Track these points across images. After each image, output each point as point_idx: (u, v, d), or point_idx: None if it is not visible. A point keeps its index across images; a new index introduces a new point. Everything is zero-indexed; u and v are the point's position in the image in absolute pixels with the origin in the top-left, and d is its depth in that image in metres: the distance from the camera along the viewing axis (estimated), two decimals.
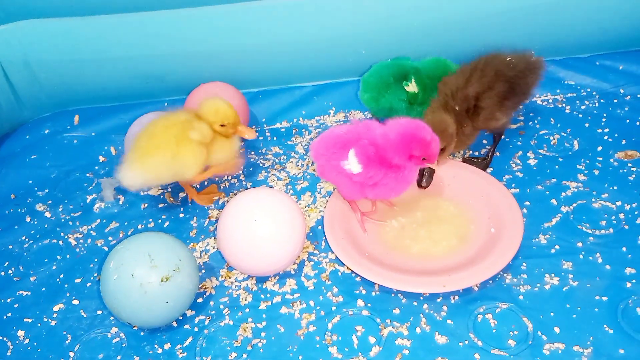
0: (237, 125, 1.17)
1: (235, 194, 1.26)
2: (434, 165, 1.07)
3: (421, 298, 1.01)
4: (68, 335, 1.03)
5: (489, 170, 1.24)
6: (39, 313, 1.08)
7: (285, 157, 1.37)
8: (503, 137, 1.27)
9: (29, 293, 1.12)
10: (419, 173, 1.14)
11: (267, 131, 1.47)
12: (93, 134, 1.52)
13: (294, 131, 1.45)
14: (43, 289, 1.13)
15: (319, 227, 1.17)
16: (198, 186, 1.29)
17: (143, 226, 1.23)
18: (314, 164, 1.11)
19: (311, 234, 1.17)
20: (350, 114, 1.48)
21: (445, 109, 1.16)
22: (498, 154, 1.28)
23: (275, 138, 1.44)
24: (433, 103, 1.19)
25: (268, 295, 1.06)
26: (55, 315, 1.07)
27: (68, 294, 1.11)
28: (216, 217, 1.23)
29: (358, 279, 1.06)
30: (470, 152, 1.30)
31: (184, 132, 1.12)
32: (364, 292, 1.04)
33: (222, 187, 1.31)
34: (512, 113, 1.22)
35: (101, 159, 1.44)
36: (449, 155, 1.23)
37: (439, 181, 1.20)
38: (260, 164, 1.36)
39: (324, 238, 1.13)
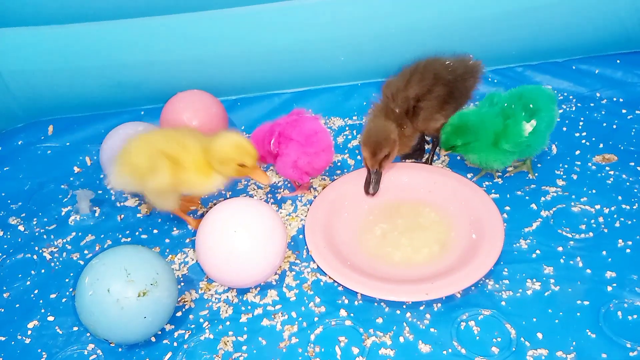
0: (255, 168, 1.10)
1: (214, 204, 1.24)
2: (382, 169, 1.14)
3: (404, 306, 1.00)
4: (43, 353, 1.00)
5: (469, 176, 1.24)
6: (13, 330, 1.05)
7: (265, 166, 1.36)
8: None
9: (2, 310, 1.09)
10: (365, 180, 1.15)
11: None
12: (68, 144, 1.49)
13: None
14: (17, 305, 1.09)
15: (300, 236, 1.16)
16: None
17: (120, 238, 1.21)
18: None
19: (292, 243, 1.15)
20: (329, 121, 1.48)
21: (386, 112, 1.18)
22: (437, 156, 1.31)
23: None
24: (375, 108, 1.20)
25: (249, 307, 1.04)
26: (29, 332, 1.04)
27: (43, 310, 1.08)
28: (195, 228, 1.21)
29: (340, 288, 1.05)
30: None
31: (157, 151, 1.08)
32: (346, 301, 1.02)
33: (204, 196, 1.29)
34: (451, 115, 1.23)
35: (76, 169, 1.41)
36: (407, 160, 1.28)
37: (419, 188, 1.20)
38: None
39: (306, 247, 1.12)
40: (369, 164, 1.13)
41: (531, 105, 1.14)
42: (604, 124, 1.33)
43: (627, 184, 1.17)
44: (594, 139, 1.29)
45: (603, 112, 1.36)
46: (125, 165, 1.10)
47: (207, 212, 1.08)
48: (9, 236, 1.25)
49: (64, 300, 1.09)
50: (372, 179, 1.14)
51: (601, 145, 1.27)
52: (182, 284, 1.10)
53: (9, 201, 1.34)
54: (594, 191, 1.16)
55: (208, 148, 1.09)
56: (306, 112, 1.23)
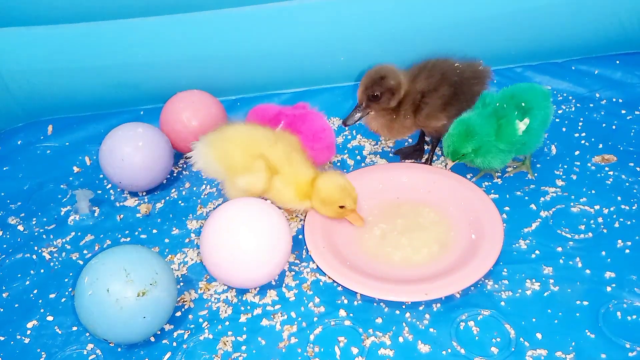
0: (354, 211, 1.10)
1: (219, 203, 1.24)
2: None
3: (403, 307, 1.00)
4: (42, 353, 1.00)
5: (468, 176, 1.24)
6: (12, 330, 1.04)
7: None
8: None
9: (1, 310, 1.09)
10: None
11: None
12: (67, 144, 1.49)
13: None
14: (16, 305, 1.09)
15: (300, 237, 1.16)
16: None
17: (119, 238, 1.21)
18: None
19: (292, 243, 1.15)
20: (329, 121, 1.47)
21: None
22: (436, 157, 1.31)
23: None
24: None
25: (248, 307, 1.04)
26: (28, 332, 1.04)
27: (42, 310, 1.08)
28: (195, 228, 1.21)
29: (340, 288, 1.05)
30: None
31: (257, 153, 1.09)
32: (345, 301, 1.02)
33: (204, 196, 1.29)
34: (453, 118, 1.22)
35: (75, 169, 1.41)
36: (407, 160, 1.29)
37: (419, 188, 1.20)
38: None
39: (305, 247, 1.12)
40: (358, 96, 1.17)
41: (523, 104, 1.14)
42: (604, 125, 1.33)
43: (627, 184, 1.17)
44: (593, 139, 1.29)
45: (602, 113, 1.36)
46: (221, 160, 1.10)
47: (212, 211, 1.08)
48: (8, 236, 1.24)
49: (63, 300, 1.09)
50: (353, 111, 1.18)
51: (600, 146, 1.27)
52: (182, 284, 1.10)
53: (8, 201, 1.34)
54: (593, 192, 1.16)
55: (313, 181, 1.09)
56: (310, 107, 1.26)
